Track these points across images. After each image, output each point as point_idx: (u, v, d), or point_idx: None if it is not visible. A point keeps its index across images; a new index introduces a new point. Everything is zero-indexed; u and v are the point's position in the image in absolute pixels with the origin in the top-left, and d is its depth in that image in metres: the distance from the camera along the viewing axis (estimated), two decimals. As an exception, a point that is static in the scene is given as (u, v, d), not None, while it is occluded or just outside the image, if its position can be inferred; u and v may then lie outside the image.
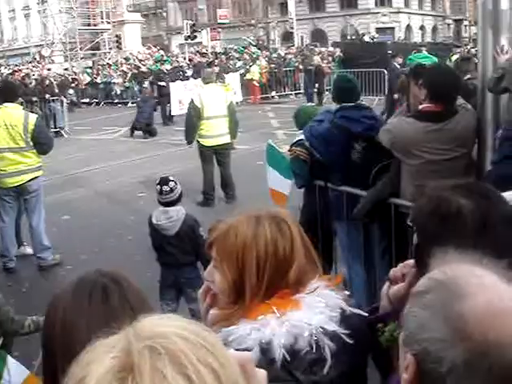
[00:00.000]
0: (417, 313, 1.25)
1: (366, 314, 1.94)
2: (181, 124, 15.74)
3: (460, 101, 4.60)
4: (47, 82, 22.45)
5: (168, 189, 5.38)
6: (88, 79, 33.81)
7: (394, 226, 4.70)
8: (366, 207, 4.91)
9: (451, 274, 1.26)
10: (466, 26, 66.33)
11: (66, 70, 35.53)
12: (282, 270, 1.87)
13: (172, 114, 21.65)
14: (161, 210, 5.43)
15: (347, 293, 1.97)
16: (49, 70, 32.02)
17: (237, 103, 22.28)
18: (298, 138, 5.78)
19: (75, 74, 33.71)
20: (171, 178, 5.53)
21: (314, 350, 1.79)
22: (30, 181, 7.84)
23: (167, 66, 30.74)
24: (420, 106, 4.48)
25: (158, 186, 5.43)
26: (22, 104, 8.44)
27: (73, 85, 31.37)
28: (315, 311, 1.84)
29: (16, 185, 7.79)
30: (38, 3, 55.30)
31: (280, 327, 1.78)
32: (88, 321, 1.47)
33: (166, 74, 24.67)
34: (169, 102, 21.58)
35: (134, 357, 0.85)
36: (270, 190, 6.80)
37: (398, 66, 16.78)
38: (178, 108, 20.94)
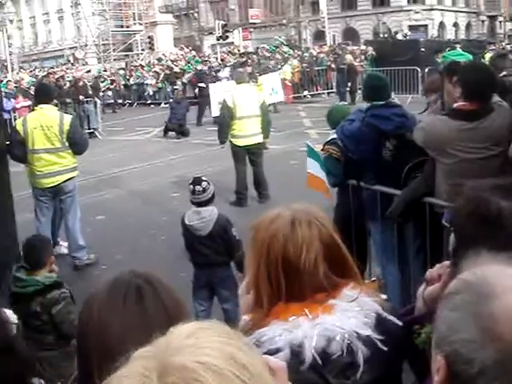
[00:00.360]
0: (447, 314, 1.23)
1: (401, 323, 1.91)
2: (213, 125, 15.82)
3: (495, 98, 4.52)
4: (81, 83, 22.65)
5: (201, 189, 5.39)
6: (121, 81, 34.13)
7: (428, 225, 4.65)
8: (400, 207, 4.86)
9: (481, 274, 1.24)
10: (500, 22, 65.53)
11: (104, 71, 35.74)
12: (291, 272, 1.87)
13: (212, 115, 20.49)
14: (193, 211, 5.44)
15: (384, 297, 1.95)
16: (88, 71, 32.34)
17: (278, 103, 22.27)
18: (331, 137, 5.78)
19: (113, 75, 33.86)
20: (204, 178, 5.54)
21: (347, 355, 1.78)
22: (65, 181, 7.94)
23: (198, 67, 30.93)
24: (455, 105, 4.41)
25: (191, 186, 5.44)
26: (56, 105, 8.53)
27: (111, 86, 31.57)
28: (348, 316, 1.82)
29: (52, 185, 7.90)
30: (72, 6, 55.99)
31: (312, 330, 1.77)
32: (122, 321, 1.47)
33: (207, 75, 24.43)
34: (208, 104, 20.76)
35: (166, 374, 0.84)
36: (309, 174, 6.71)
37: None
38: (217, 110, 20.60)
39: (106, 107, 28.05)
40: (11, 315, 2.46)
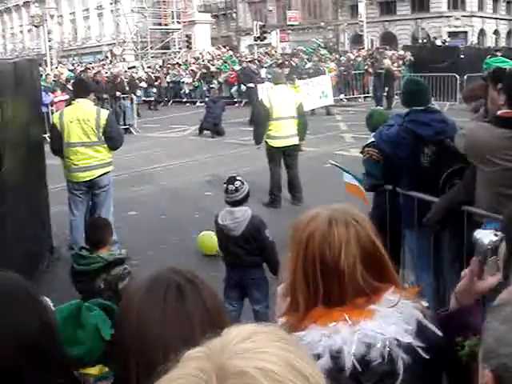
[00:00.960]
0: (495, 327, 1.18)
1: (441, 334, 1.86)
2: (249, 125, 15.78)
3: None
4: (118, 79, 22.84)
5: (233, 188, 5.37)
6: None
7: (466, 234, 4.56)
8: (438, 214, 4.78)
9: None
10: (543, 29, 64.54)
11: (149, 67, 35.89)
12: (337, 278, 1.83)
13: None
14: (227, 211, 5.42)
15: (425, 304, 1.89)
16: (133, 67, 32.59)
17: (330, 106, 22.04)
18: (370, 140, 5.72)
19: (157, 71, 33.94)
20: (238, 178, 5.51)
21: (387, 362, 1.73)
22: (100, 176, 7.98)
23: (236, 67, 30.99)
24: (498, 112, 4.32)
25: (225, 185, 5.43)
26: (94, 100, 8.59)
27: (155, 83, 31.66)
28: (389, 322, 1.77)
29: (87, 179, 7.95)
30: (111, 3, 56.52)
31: (351, 336, 1.73)
32: (162, 318, 1.44)
33: (256, 74, 23.99)
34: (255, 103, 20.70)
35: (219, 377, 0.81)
36: (347, 182, 6.71)
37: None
38: None
39: (142, 104, 28.11)
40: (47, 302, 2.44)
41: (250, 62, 27.05)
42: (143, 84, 29.51)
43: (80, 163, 7.87)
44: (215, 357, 0.84)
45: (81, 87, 8.43)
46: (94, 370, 2.42)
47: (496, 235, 2.03)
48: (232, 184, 5.40)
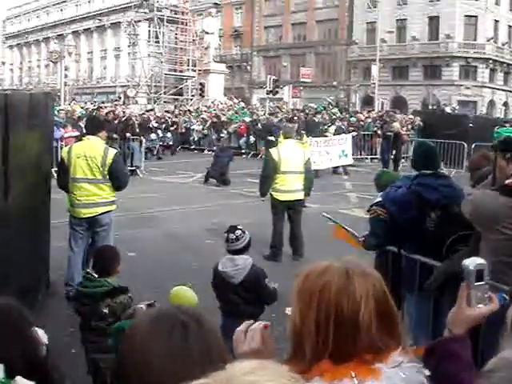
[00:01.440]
0: None
1: None
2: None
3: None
4: (130, 121, 23.06)
5: (234, 237, 5.39)
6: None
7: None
8: (439, 279, 4.75)
9: None
10: (551, 106, 65.29)
11: (166, 111, 36.01)
12: (344, 329, 1.79)
13: None
14: (228, 258, 5.43)
15: (427, 373, 1.84)
16: (151, 110, 32.81)
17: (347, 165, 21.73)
18: (378, 199, 5.73)
19: (176, 117, 33.89)
20: (239, 227, 5.53)
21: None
22: (102, 213, 7.98)
23: (246, 119, 31.25)
24: (507, 181, 4.33)
25: (225, 234, 5.44)
26: (105, 139, 8.65)
27: (172, 128, 31.57)
28: (393, 383, 1.74)
29: (89, 216, 7.95)
30: (129, 45, 57.38)
31: None
32: (165, 356, 1.42)
33: (278, 128, 23.32)
34: None
35: None
36: (337, 226, 6.69)
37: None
38: None
39: (149, 150, 27.98)
40: (42, 335, 2.42)
41: (271, 114, 27.02)
42: (155, 126, 29.33)
43: (83, 199, 7.88)
44: None
45: (93, 124, 8.50)
46: None
47: (482, 260, 2.10)
48: (233, 233, 5.41)
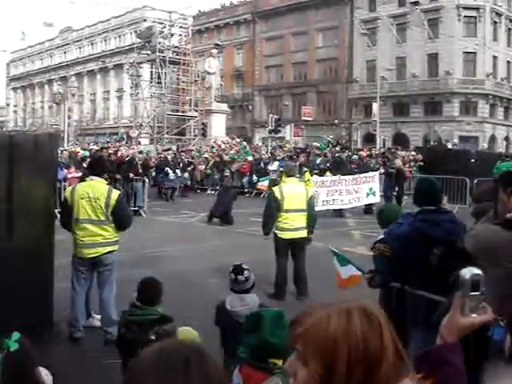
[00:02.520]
0: None
1: None
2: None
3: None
4: (134, 162, 23.18)
5: (243, 278, 5.44)
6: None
7: (473, 335, 4.48)
8: (445, 314, 4.72)
9: None
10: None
11: (183, 152, 35.91)
12: (372, 368, 1.74)
13: None
14: (236, 297, 5.41)
15: None
16: (169, 149, 32.96)
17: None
18: (381, 237, 5.74)
19: (192, 158, 33.89)
20: (245, 267, 5.56)
21: None
22: (105, 254, 7.98)
23: (249, 157, 31.38)
24: (508, 215, 4.34)
25: (233, 275, 5.45)
26: (107, 180, 8.69)
27: (188, 169, 31.52)
28: None
29: (92, 256, 7.95)
30: (132, 87, 57.94)
31: None
32: None
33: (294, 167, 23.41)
34: None
35: None
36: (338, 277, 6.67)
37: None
38: None
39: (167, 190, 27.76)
40: (46, 376, 2.42)
41: (272, 154, 26.93)
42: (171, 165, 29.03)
43: (86, 239, 7.89)
44: None
45: (97, 165, 8.54)
46: (279, 362, 3.51)
47: (478, 271, 2.15)
48: (241, 274, 5.44)
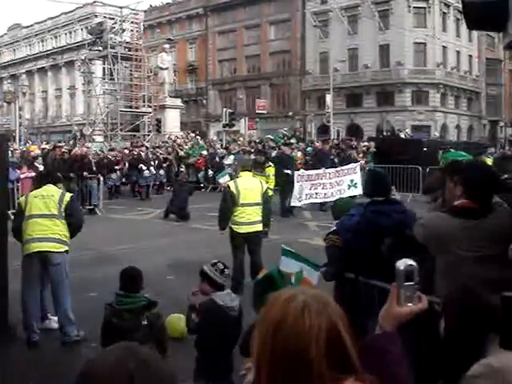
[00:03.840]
0: None
1: None
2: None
3: (495, 199, 4.56)
4: (86, 159, 22.91)
5: (227, 272, 5.63)
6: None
7: (423, 323, 4.58)
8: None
9: (506, 361, 1.23)
10: (501, 126, 67.03)
11: (157, 147, 34.57)
12: (304, 366, 1.78)
13: (292, 205, 19.41)
14: (224, 293, 5.52)
15: None
16: (141, 146, 31.69)
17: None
18: (334, 228, 5.81)
19: (169, 154, 31.84)
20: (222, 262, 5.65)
21: None
22: (53, 252, 7.88)
23: (203, 152, 31.25)
24: (456, 202, 4.45)
25: (221, 264, 5.57)
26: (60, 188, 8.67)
27: (164, 165, 29.79)
28: None
29: (39, 250, 7.84)
30: (84, 83, 57.19)
31: None
32: None
33: (291, 159, 22.24)
34: (291, 191, 19.30)
35: None
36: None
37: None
38: (297, 198, 19.02)
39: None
40: None
41: (285, 145, 25.89)
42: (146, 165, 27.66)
43: (34, 233, 7.84)
44: None
45: (50, 178, 8.56)
46: None
47: (412, 262, 2.25)
48: (227, 268, 5.65)
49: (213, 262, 5.61)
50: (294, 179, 18.98)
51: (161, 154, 31.20)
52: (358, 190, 19.11)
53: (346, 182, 19.86)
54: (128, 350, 1.55)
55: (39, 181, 8.76)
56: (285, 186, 19.91)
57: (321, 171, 19.83)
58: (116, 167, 27.57)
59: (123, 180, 28.08)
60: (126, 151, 30.62)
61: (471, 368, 1.26)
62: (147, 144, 35.95)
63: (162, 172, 29.03)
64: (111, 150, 31.73)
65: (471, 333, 1.75)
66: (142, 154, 28.43)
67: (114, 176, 27.09)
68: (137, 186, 27.11)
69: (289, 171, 20.22)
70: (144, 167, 26.87)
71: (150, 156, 28.88)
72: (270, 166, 20.02)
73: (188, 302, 5.62)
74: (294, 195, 18.78)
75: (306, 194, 18.93)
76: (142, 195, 26.43)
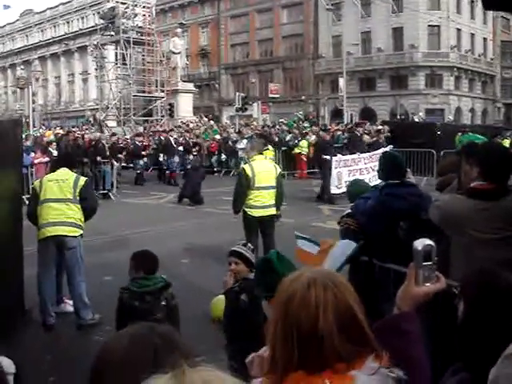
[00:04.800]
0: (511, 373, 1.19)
1: None
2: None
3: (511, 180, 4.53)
4: (100, 144, 22.94)
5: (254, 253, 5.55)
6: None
7: (441, 306, 4.56)
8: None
9: None
10: (516, 109, 66.54)
11: (186, 131, 34.40)
12: (315, 342, 1.82)
13: (332, 192, 18.58)
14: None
15: (403, 376, 1.88)
16: (170, 130, 31.33)
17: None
18: (348, 211, 5.78)
19: (197, 137, 31.41)
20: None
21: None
22: (68, 236, 7.93)
23: (217, 136, 31.21)
24: (472, 184, 4.41)
25: (250, 245, 5.59)
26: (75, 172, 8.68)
27: (194, 150, 28.86)
28: None
29: (54, 235, 7.89)
30: (97, 69, 57.19)
31: None
32: (138, 377, 1.42)
33: (329, 145, 21.53)
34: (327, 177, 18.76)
35: (186, 382, 0.85)
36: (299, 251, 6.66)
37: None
38: (336, 185, 18.35)
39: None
40: (9, 365, 2.39)
41: (323, 130, 25.19)
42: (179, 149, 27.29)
43: (49, 217, 7.86)
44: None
45: (66, 160, 8.60)
46: None
47: (430, 242, 2.22)
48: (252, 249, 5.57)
49: (241, 242, 5.62)
50: (332, 165, 18.53)
51: (190, 138, 30.51)
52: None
53: (377, 168, 19.33)
54: (149, 327, 1.57)
55: (54, 164, 8.80)
56: (325, 172, 19.49)
57: (355, 156, 19.57)
58: (143, 153, 27.26)
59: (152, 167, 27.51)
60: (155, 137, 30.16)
61: (510, 347, 1.24)
62: (160, 128, 35.89)
63: (191, 157, 28.40)
64: (138, 135, 31.54)
65: (492, 315, 1.74)
66: (171, 138, 27.89)
67: (141, 162, 26.80)
68: (166, 172, 26.72)
69: (327, 157, 19.67)
70: (179, 150, 26.33)
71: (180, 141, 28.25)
72: (267, 149, 19.75)
73: (223, 287, 5.52)
74: (332, 182, 18.39)
75: (345, 181, 18.64)
76: (171, 181, 25.75)
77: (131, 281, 5.55)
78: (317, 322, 1.81)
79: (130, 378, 1.41)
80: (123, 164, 26.65)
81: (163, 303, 5.39)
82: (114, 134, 30.22)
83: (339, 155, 19.57)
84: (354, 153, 20.21)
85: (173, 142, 27.48)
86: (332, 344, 1.80)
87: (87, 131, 33.32)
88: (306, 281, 1.88)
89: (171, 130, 31.63)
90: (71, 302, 8.34)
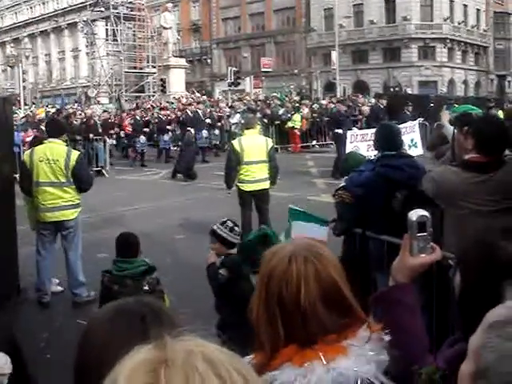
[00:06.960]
0: (496, 344, 1.17)
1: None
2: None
3: (506, 152, 4.50)
4: (92, 121, 22.82)
5: (238, 230, 5.52)
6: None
7: (436, 277, 4.56)
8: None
9: None
10: (509, 81, 66.31)
11: (212, 106, 32.64)
12: (298, 315, 1.82)
13: None
14: None
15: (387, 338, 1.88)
16: (199, 103, 29.32)
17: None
18: (342, 184, 5.76)
19: (220, 111, 29.81)
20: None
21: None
22: (68, 217, 7.91)
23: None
24: (466, 156, 4.38)
25: (230, 223, 5.50)
26: (66, 141, 8.55)
27: (218, 124, 27.50)
28: (363, 360, 1.76)
29: (54, 220, 7.89)
30: (87, 45, 56.79)
31: (326, 375, 1.72)
32: (126, 351, 1.41)
33: (345, 117, 20.57)
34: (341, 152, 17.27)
35: (168, 351, 0.89)
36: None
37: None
38: None
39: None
40: (6, 364, 2.37)
41: (339, 102, 24.32)
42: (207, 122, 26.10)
43: (47, 203, 7.81)
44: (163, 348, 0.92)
45: (54, 127, 8.40)
46: None
47: (424, 212, 2.19)
48: (236, 225, 5.53)
49: (222, 220, 5.56)
50: (347, 139, 16.77)
51: (215, 112, 28.80)
52: (419, 150, 17.21)
53: (406, 142, 18.31)
54: (135, 298, 1.56)
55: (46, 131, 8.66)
56: (339, 146, 18.40)
57: (374, 130, 18.87)
58: (168, 127, 25.92)
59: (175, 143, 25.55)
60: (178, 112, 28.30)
61: (494, 314, 1.21)
62: (153, 104, 35.73)
63: (216, 132, 26.95)
64: (162, 109, 30.94)
65: (491, 285, 1.73)
66: (200, 111, 25.98)
67: (166, 138, 25.57)
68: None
69: (340, 130, 18.94)
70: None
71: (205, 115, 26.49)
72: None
73: (206, 263, 5.52)
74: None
75: (365, 157, 17.80)
76: (203, 158, 24.24)
77: (113, 263, 5.41)
78: (299, 295, 1.81)
79: (119, 347, 1.40)
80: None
81: (146, 288, 5.15)
82: (105, 111, 29.98)
83: (355, 129, 18.53)
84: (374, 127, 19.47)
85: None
86: (316, 317, 1.81)
87: (79, 108, 33.16)
88: (287, 254, 1.88)
89: (199, 102, 29.55)
90: (57, 281, 8.44)
